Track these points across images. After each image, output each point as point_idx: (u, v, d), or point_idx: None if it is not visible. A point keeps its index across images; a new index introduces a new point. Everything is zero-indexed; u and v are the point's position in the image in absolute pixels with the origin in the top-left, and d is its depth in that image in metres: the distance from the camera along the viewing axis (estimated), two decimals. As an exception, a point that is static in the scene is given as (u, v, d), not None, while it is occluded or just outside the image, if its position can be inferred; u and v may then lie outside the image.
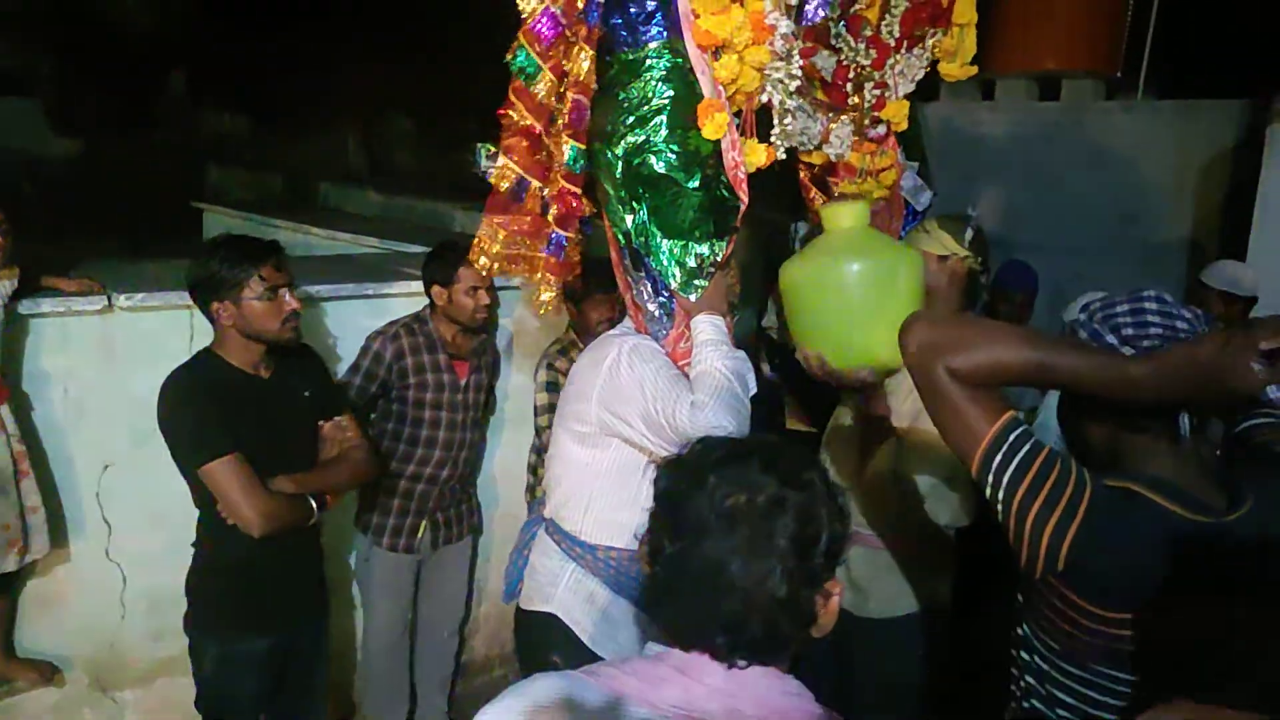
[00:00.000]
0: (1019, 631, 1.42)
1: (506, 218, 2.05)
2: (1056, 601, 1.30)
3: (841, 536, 1.04)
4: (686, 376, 1.84)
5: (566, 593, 1.95)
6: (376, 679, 2.99)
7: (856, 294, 1.87)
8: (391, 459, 2.81)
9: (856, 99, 2.21)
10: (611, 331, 2.04)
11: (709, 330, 1.83)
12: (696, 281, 1.85)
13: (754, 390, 1.82)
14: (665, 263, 1.86)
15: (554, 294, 2.10)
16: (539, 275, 2.08)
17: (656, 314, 1.94)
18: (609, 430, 1.89)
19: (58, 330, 2.47)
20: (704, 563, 1.01)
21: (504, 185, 1.98)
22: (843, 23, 2.07)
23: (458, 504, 3.03)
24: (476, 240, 2.08)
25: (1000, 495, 1.29)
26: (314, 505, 2.23)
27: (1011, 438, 1.28)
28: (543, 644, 1.98)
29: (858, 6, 2.08)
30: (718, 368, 1.76)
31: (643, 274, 1.92)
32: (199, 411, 2.11)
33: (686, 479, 1.05)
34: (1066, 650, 1.32)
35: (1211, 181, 4.51)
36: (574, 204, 1.98)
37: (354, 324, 3.02)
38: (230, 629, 2.24)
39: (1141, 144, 4.68)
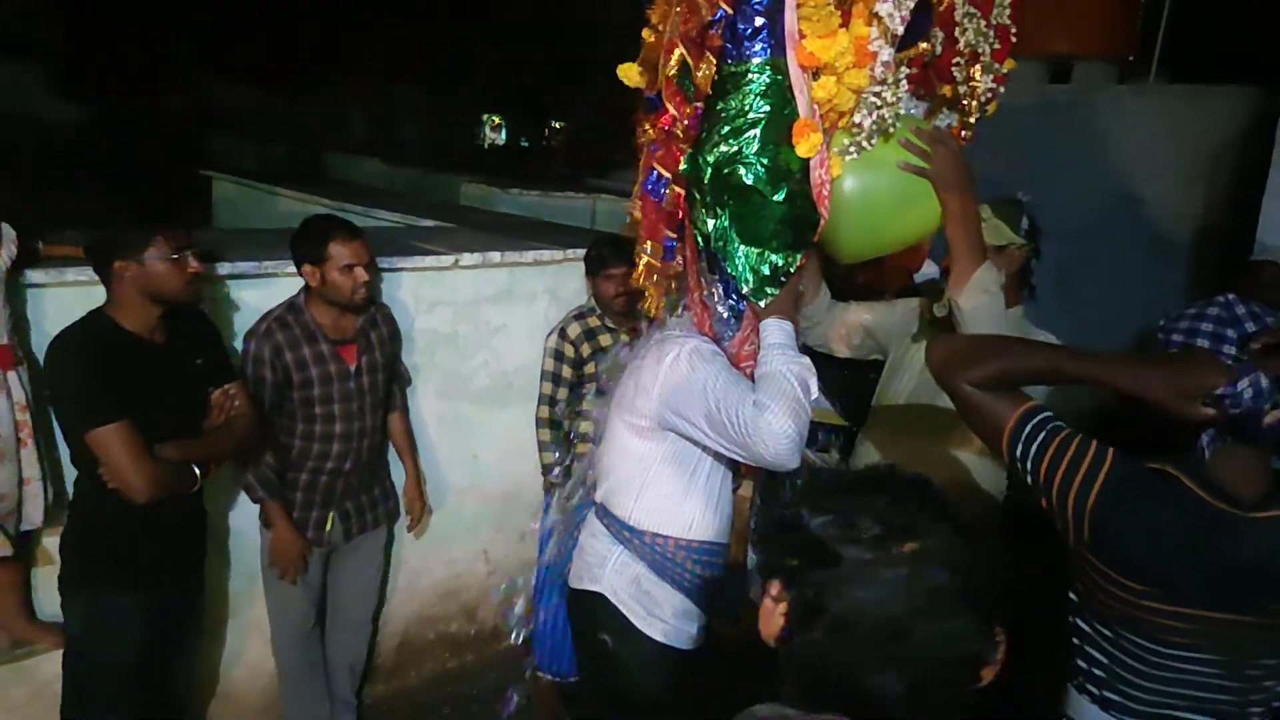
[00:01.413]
0: (1071, 597, 1.51)
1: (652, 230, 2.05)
2: (1088, 569, 1.41)
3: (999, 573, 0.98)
4: (747, 379, 1.90)
5: (613, 574, 2.04)
6: (289, 676, 2.90)
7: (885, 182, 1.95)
8: (290, 454, 2.68)
9: (967, 90, 2.04)
10: (671, 331, 2.08)
11: (778, 334, 1.88)
12: (769, 289, 1.89)
13: (815, 396, 1.86)
14: (740, 268, 1.90)
15: (660, 294, 2.12)
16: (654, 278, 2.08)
17: (725, 316, 1.98)
18: (667, 425, 1.95)
19: (57, 301, 2.46)
20: (879, 627, 0.88)
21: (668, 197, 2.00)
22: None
23: (368, 490, 2.88)
24: (646, 259, 2.08)
25: (1029, 476, 1.41)
26: (197, 472, 2.24)
27: (1031, 423, 1.41)
28: (590, 622, 2.08)
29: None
30: (783, 370, 1.81)
31: (716, 277, 1.96)
32: (88, 374, 2.09)
33: (835, 522, 0.93)
34: (1099, 613, 1.44)
35: (1221, 167, 4.50)
36: (682, 208, 2.00)
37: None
38: (104, 587, 2.24)
39: (1152, 128, 4.66)
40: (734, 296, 1.93)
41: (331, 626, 2.99)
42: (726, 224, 1.86)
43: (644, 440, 1.99)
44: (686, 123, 1.90)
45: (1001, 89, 2.05)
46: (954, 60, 1.99)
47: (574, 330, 3.08)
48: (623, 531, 2.03)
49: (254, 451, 2.57)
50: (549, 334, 3.13)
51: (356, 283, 2.59)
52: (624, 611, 2.01)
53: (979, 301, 1.97)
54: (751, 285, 1.88)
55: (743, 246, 1.86)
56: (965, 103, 2.06)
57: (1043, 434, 1.40)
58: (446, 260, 3.17)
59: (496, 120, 16.65)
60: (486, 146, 16.44)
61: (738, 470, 2.06)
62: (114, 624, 2.24)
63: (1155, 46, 4.99)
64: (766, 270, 1.87)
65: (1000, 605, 0.93)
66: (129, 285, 2.15)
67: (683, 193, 1.94)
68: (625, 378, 2.09)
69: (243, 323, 2.69)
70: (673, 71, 1.88)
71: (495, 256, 3.30)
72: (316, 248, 2.55)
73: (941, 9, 1.94)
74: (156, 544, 2.29)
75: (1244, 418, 1.28)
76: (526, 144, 16.66)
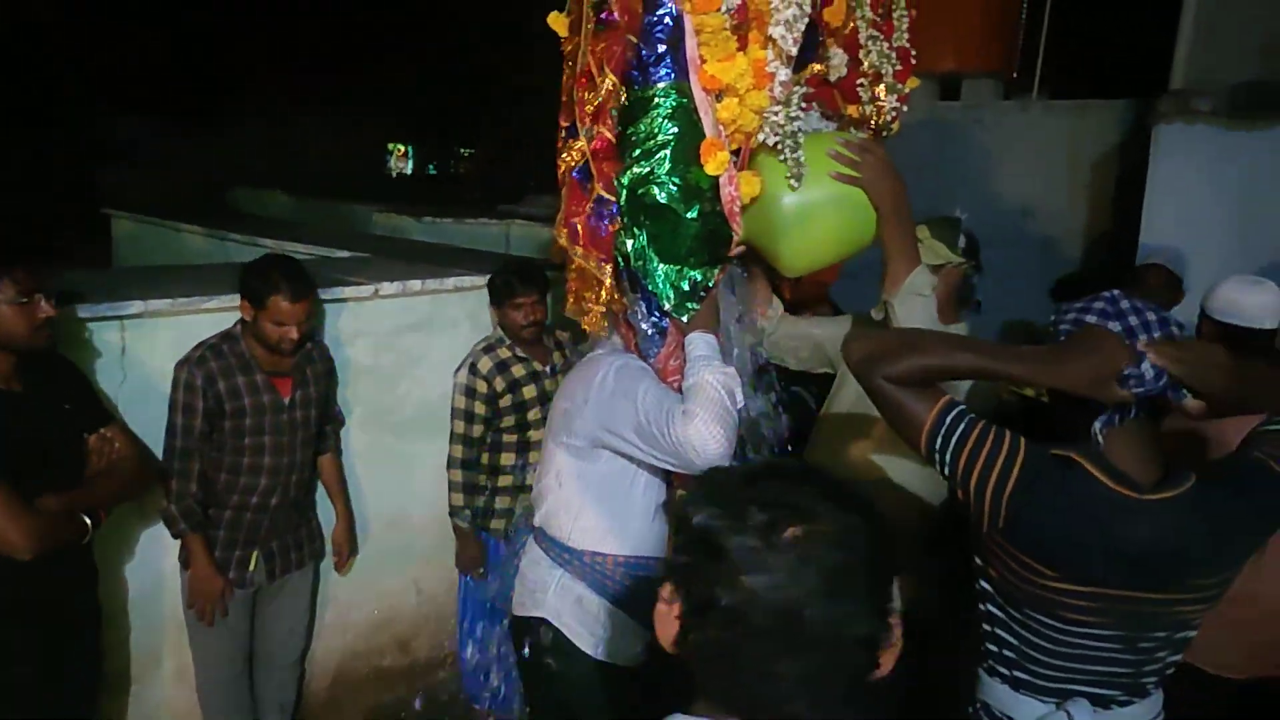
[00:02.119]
0: (981, 585, 1.58)
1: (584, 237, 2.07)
2: (1000, 555, 1.48)
3: (894, 554, 0.93)
4: (675, 392, 1.95)
5: (555, 598, 2.06)
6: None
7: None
8: (215, 487, 2.60)
9: (872, 109, 2.18)
10: (599, 351, 2.14)
11: (702, 347, 1.95)
12: (689, 304, 1.97)
13: (742, 404, 1.93)
14: (661, 286, 1.97)
15: (602, 314, 2.14)
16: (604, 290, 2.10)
17: (650, 333, 2.04)
18: (600, 444, 2.00)
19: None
20: (772, 614, 0.86)
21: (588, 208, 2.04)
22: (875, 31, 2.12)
23: (294, 530, 2.81)
24: (580, 268, 2.11)
25: (948, 468, 1.47)
26: (87, 522, 2.16)
27: (949, 418, 1.46)
28: (535, 647, 2.08)
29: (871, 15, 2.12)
30: (709, 380, 1.87)
31: (638, 295, 2.02)
32: None
33: (722, 514, 0.90)
34: (1010, 598, 1.51)
35: (1102, 176, 4.80)
36: (610, 230, 2.05)
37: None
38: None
39: (1037, 141, 4.95)
40: (657, 314, 1.99)
41: (260, 668, 2.91)
42: (644, 243, 1.93)
43: (579, 461, 2.03)
44: (600, 151, 1.97)
45: (905, 108, 2.17)
46: (859, 81, 2.12)
47: (485, 364, 3.01)
48: (562, 554, 2.06)
49: (167, 487, 2.49)
50: (457, 369, 3.05)
51: (285, 339, 2.55)
52: (567, 634, 2.04)
53: (912, 304, 2.06)
54: (673, 301, 1.95)
55: (662, 265, 1.93)
56: (872, 122, 2.19)
57: (961, 426, 1.45)
58: (366, 290, 3.14)
59: (402, 149, 16.51)
60: (394, 175, 16.28)
61: (672, 483, 2.11)
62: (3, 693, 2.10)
63: (1036, 64, 5.29)
64: (686, 286, 1.95)
65: (891, 587, 0.92)
66: None
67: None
68: (556, 401, 2.14)
69: (111, 365, 2.58)
70: (602, 97, 1.94)
71: (416, 285, 3.29)
72: (261, 292, 2.51)
73: (846, 32, 2.07)
74: (45, 605, 2.16)
75: (1148, 398, 1.40)
76: (434, 171, 16.55)
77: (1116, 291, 1.51)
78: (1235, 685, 2.09)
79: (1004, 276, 3.86)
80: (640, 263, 1.95)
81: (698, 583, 0.89)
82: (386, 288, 3.19)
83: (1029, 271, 4.38)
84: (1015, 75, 5.36)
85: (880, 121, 2.17)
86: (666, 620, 0.93)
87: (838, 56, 2.09)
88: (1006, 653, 1.54)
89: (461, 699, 3.11)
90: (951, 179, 4.97)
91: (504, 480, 3.07)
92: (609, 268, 2.02)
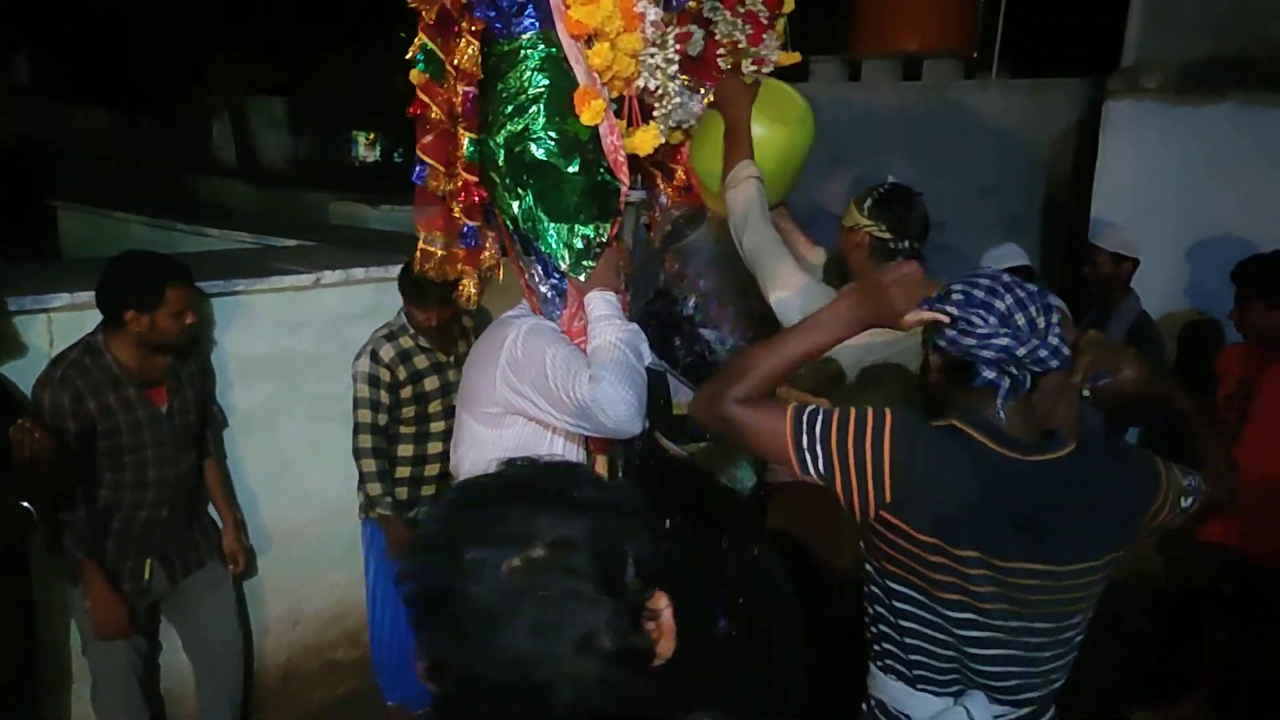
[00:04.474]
0: (870, 589, 1.55)
1: (429, 219, 2.06)
2: (887, 540, 1.43)
3: (655, 541, 0.85)
4: (585, 355, 1.90)
5: None
6: None
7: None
8: (98, 505, 2.46)
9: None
10: (510, 313, 2.09)
11: (602, 306, 1.91)
12: (585, 262, 1.93)
13: (649, 360, 1.89)
14: (554, 246, 1.93)
15: (475, 284, 2.14)
16: (460, 266, 2.11)
17: (549, 295, 2.00)
18: (513, 409, 1.95)
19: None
20: (508, 663, 0.77)
21: (433, 185, 2.00)
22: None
23: (186, 531, 2.70)
24: (420, 248, 2.09)
25: (822, 464, 1.41)
26: (29, 510, 2.10)
27: (805, 416, 1.43)
28: None
29: None
30: (612, 340, 1.83)
31: (533, 258, 1.98)
32: None
33: (441, 568, 0.80)
34: (900, 590, 1.46)
35: (1061, 154, 4.79)
36: (476, 194, 2.01)
37: (227, 322, 2.94)
38: None
39: (997, 120, 4.93)
40: (555, 275, 1.95)
41: (198, 670, 2.85)
42: (530, 204, 1.89)
43: (493, 429, 1.98)
44: (462, 109, 1.91)
45: (765, 70, 2.21)
46: (718, 52, 2.14)
47: (387, 352, 2.88)
48: None
49: (65, 503, 2.38)
50: (357, 357, 2.91)
51: (184, 327, 2.45)
52: None
53: (734, 189, 2.08)
54: (569, 261, 1.91)
55: (552, 224, 1.90)
56: None
57: (820, 417, 1.42)
58: (307, 279, 3.09)
59: (370, 137, 16.30)
60: (359, 163, 16.08)
61: (589, 447, 2.07)
62: None
63: (995, 43, 5.28)
64: (579, 244, 1.91)
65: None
66: None
67: (473, 179, 1.95)
68: (466, 369, 2.09)
69: (39, 359, 2.48)
70: (415, 54, 1.91)
71: (359, 273, 3.23)
72: (150, 293, 2.37)
73: (694, 6, 2.06)
74: None
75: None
76: (400, 159, 16.37)
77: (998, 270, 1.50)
78: None
79: (971, 256, 3.87)
80: (529, 224, 1.91)
81: (425, 644, 0.81)
82: (329, 276, 3.13)
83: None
84: (975, 55, 5.35)
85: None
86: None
87: (695, 32, 2.09)
88: (900, 650, 1.50)
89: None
90: (914, 158, 4.95)
91: (401, 471, 2.97)
92: (439, 236, 2.02)
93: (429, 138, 1.96)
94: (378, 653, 3.11)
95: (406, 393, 2.92)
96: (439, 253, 2.06)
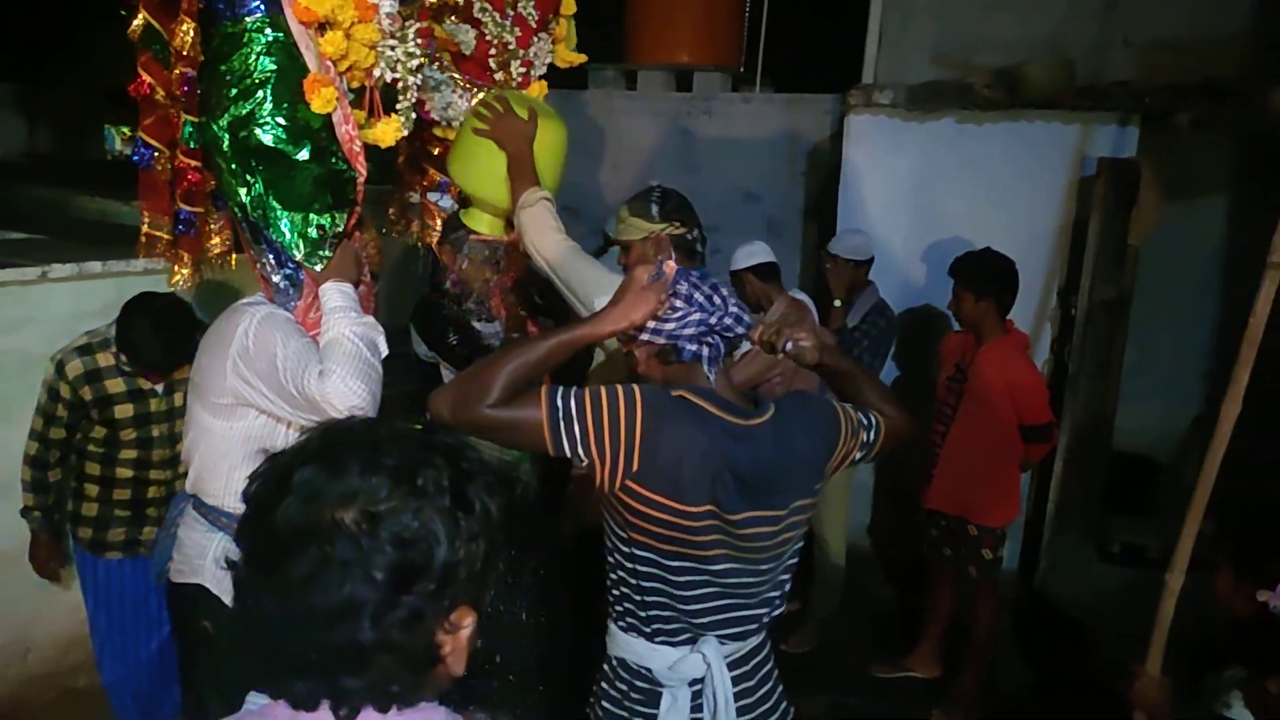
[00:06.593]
0: (613, 558, 1.64)
1: (155, 204, 1.97)
2: (632, 502, 1.52)
3: (477, 556, 0.86)
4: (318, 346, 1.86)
5: (213, 563, 1.95)
6: None
7: None
8: None
9: (503, 76, 2.32)
10: (245, 301, 2.01)
11: (337, 297, 1.87)
12: (321, 252, 1.89)
13: (385, 353, 1.87)
14: (288, 235, 1.87)
15: (189, 273, 2.05)
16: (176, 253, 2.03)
17: (283, 286, 1.95)
18: (243, 400, 1.88)
19: None
20: (276, 591, 0.81)
21: (158, 169, 1.92)
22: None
23: None
24: (145, 234, 1.99)
25: (578, 443, 1.48)
26: None
27: (558, 399, 1.49)
28: (193, 614, 1.99)
29: None
30: (345, 334, 1.80)
31: (264, 247, 1.92)
32: None
33: (272, 484, 0.85)
34: (641, 548, 1.56)
35: (816, 163, 5.18)
36: (194, 179, 1.93)
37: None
38: None
39: (760, 131, 5.26)
40: (289, 265, 1.92)
41: None
42: (261, 191, 1.86)
43: (224, 420, 1.93)
44: (180, 90, 1.87)
45: (533, 71, 2.29)
46: (489, 52, 2.18)
47: (74, 369, 2.60)
48: (220, 518, 1.95)
49: None
50: (50, 360, 2.64)
51: None
52: (226, 600, 1.93)
53: (528, 209, 2.12)
54: (303, 251, 1.87)
55: (285, 213, 1.86)
56: (513, 87, 2.31)
57: (573, 399, 1.49)
58: (31, 273, 2.84)
59: (127, 132, 15.04)
60: (113, 158, 14.79)
61: None
62: None
63: (759, 59, 5.63)
64: (314, 234, 1.88)
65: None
66: None
67: (193, 164, 1.91)
68: (198, 358, 2.01)
69: None
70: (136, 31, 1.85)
71: (95, 267, 3.00)
72: None
73: (464, 5, 2.11)
74: None
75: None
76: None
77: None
78: None
79: (729, 261, 4.11)
80: (260, 212, 1.87)
81: (239, 550, 0.86)
82: (58, 269, 2.90)
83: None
84: (741, 68, 5.67)
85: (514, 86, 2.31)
86: None
87: (465, 32, 2.14)
88: (639, 609, 1.61)
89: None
90: (684, 167, 5.20)
91: (89, 489, 2.74)
92: (162, 220, 1.97)
93: (151, 119, 1.88)
94: (116, 680, 2.86)
95: (94, 415, 2.65)
96: (165, 237, 1.97)
